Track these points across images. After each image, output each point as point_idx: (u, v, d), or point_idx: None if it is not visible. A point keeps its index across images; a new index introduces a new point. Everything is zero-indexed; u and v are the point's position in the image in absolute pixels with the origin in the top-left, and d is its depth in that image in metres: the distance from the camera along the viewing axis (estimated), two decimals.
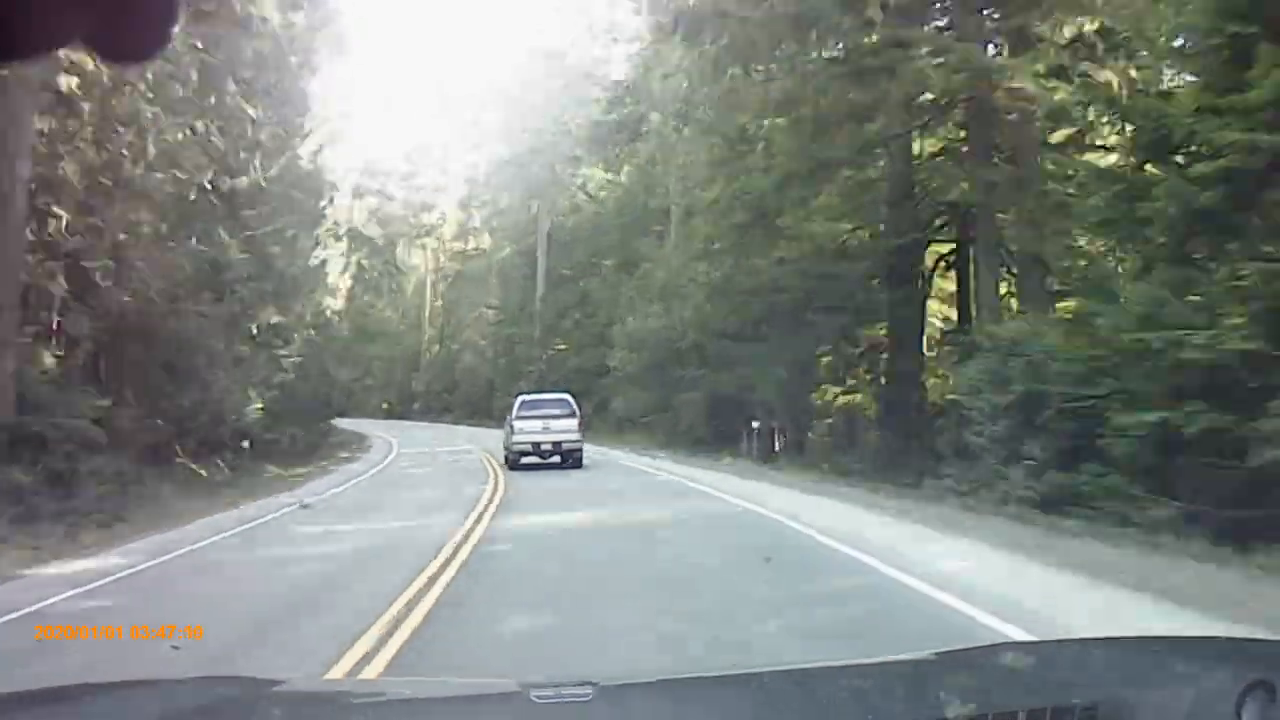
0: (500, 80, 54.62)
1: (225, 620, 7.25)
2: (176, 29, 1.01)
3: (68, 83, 14.57)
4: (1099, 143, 17.49)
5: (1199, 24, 10.13)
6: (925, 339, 22.45)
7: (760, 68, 19.67)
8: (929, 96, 17.01)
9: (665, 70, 33.15)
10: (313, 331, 36.51)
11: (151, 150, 16.68)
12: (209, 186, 19.36)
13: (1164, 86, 12.94)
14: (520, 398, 24.89)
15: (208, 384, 20.27)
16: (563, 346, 46.52)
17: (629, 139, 42.23)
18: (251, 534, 12.41)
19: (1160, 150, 10.96)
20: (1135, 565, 8.13)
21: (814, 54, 18.70)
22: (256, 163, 22.52)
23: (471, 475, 21.05)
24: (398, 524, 12.85)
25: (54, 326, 16.48)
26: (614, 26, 45.43)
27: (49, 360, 15.85)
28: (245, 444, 22.54)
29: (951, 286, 22.10)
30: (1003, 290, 18.35)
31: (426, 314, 71.64)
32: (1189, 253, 10.42)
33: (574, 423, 22.86)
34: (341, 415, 51.93)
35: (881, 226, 21.19)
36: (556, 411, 23.00)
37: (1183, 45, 11.42)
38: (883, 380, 22.63)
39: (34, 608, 7.87)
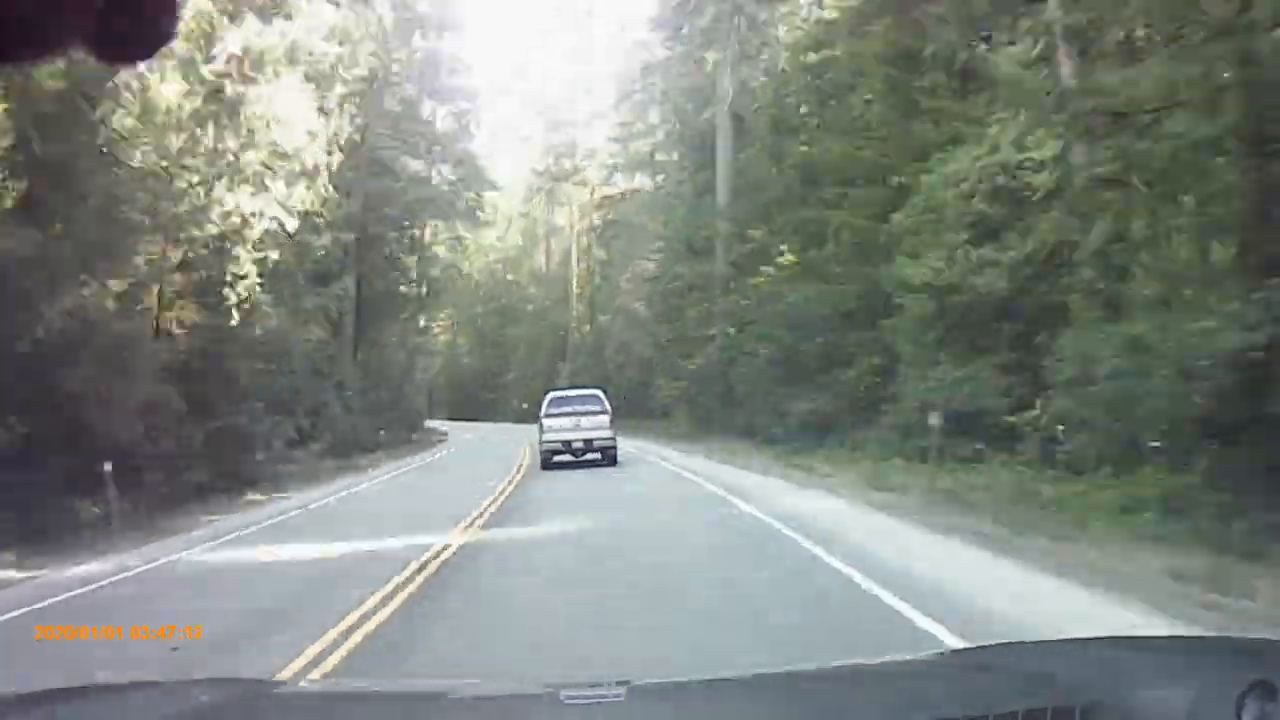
0: None
1: None
2: (176, 29, 1.01)
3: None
4: None
5: None
6: None
7: None
8: None
9: None
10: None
11: None
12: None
13: None
14: (550, 394, 24.17)
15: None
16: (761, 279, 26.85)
17: None
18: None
19: None
20: None
21: None
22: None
23: None
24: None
25: None
26: None
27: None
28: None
29: None
30: None
31: (574, 281, 61.10)
32: None
33: (605, 419, 22.11)
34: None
35: None
36: (587, 408, 22.27)
37: None
38: None
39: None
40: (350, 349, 34.88)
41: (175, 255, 18.06)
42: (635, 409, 37.67)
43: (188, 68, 17.51)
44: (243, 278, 19.79)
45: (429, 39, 42.72)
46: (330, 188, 25.13)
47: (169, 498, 15.47)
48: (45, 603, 8.54)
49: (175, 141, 17.84)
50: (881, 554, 8.76)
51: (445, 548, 10.22)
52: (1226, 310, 9.02)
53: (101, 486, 13.19)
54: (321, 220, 25.22)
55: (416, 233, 43.48)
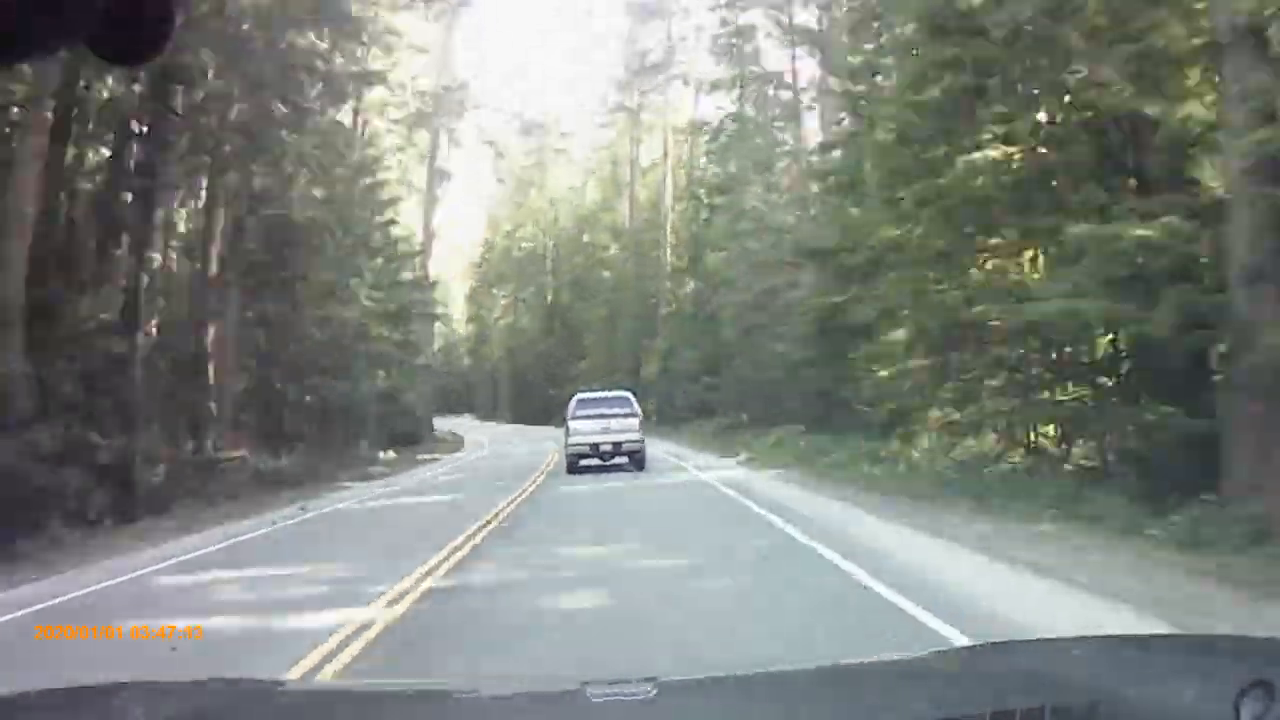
0: None
1: None
2: (175, 29, 1.01)
3: None
4: None
5: None
6: None
7: None
8: None
9: None
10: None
11: None
12: None
13: None
14: (576, 396, 23.39)
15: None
16: None
17: None
18: None
19: None
20: None
21: None
22: None
23: None
24: None
25: None
26: None
27: None
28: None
29: None
30: None
31: (668, 229, 49.32)
32: None
33: (635, 421, 21.42)
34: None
35: None
36: (616, 410, 21.59)
37: None
38: None
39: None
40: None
41: None
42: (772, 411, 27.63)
43: None
44: None
45: None
46: None
47: None
48: None
49: None
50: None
51: None
52: None
53: None
54: None
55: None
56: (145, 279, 19.63)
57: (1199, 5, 10.44)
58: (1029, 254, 14.50)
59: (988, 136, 12.63)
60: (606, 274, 56.46)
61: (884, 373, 17.23)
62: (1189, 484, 9.43)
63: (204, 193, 23.04)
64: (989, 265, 14.45)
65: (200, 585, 9.28)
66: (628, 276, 52.29)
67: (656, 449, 25.20)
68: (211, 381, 22.18)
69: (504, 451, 34.30)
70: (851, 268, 19.44)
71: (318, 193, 26.53)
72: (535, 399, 58.44)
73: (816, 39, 33.90)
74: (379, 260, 34.29)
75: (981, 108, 13.12)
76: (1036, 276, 13.76)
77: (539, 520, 13.22)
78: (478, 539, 11.24)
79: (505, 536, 11.56)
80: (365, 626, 6.62)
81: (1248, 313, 9.24)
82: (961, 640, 4.96)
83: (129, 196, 18.91)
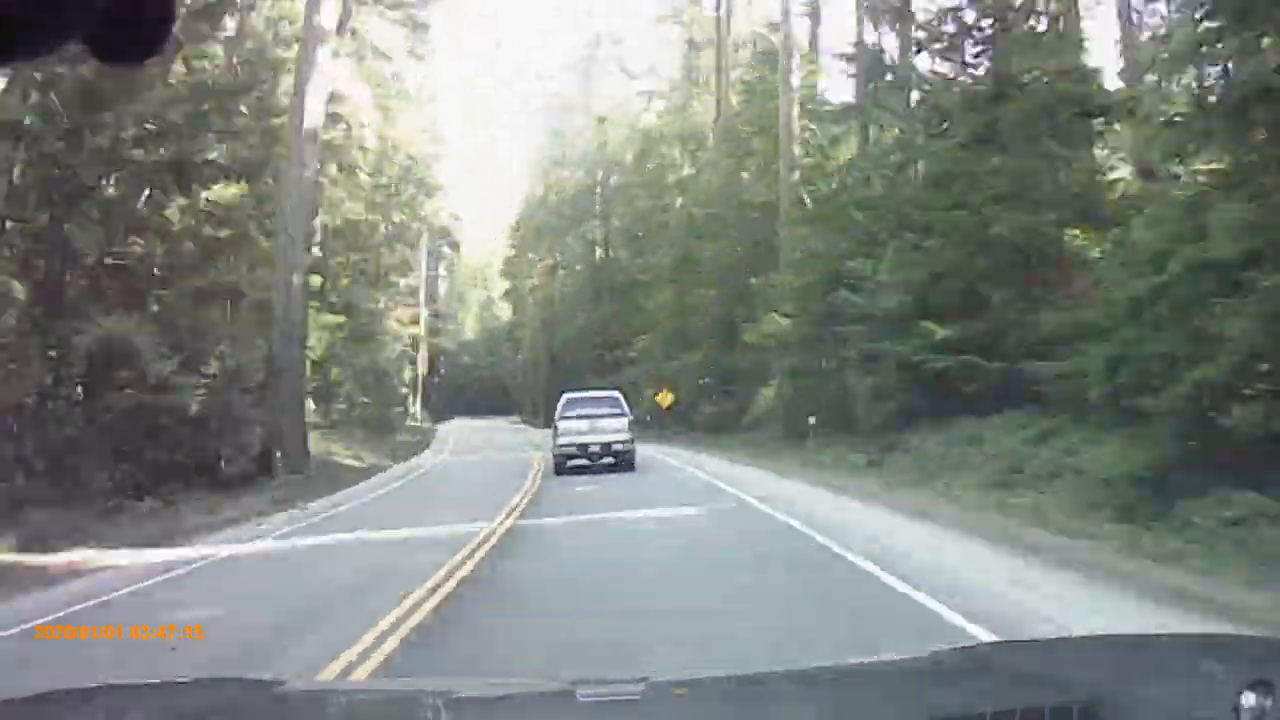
0: None
1: None
2: (175, 29, 1.01)
3: None
4: None
5: None
6: None
7: None
8: None
9: None
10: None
11: None
12: None
13: None
14: (565, 395, 22.77)
15: None
16: None
17: None
18: None
19: None
20: None
21: None
22: None
23: None
24: None
25: None
26: None
27: None
28: None
29: None
30: None
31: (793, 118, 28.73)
32: None
33: (624, 421, 21.02)
34: None
35: None
36: (604, 410, 21.16)
37: None
38: None
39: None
40: None
41: None
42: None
43: None
44: None
45: None
46: None
47: None
48: None
49: None
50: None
51: None
52: None
53: None
54: None
55: None
56: None
57: None
58: None
59: None
60: (677, 206, 38.61)
61: None
62: None
63: None
64: None
65: None
66: (713, 205, 34.06)
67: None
68: None
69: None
70: None
71: None
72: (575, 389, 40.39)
73: None
74: None
75: None
76: None
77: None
78: None
79: None
80: None
81: None
82: None
83: None
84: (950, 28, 18.92)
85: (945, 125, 19.47)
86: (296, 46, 25.04)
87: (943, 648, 2.65)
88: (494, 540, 10.78)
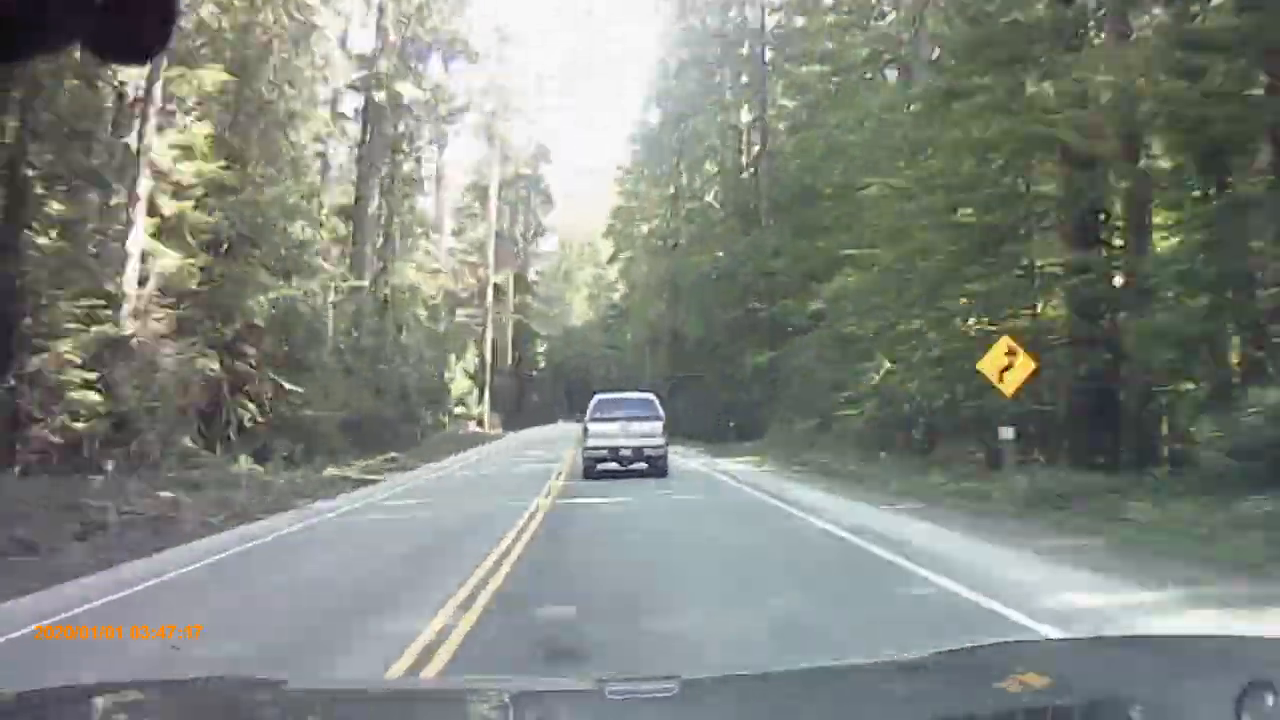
0: None
1: None
2: (176, 29, 1.01)
3: None
4: None
5: None
6: None
7: None
8: None
9: None
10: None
11: None
12: None
13: None
14: (596, 397, 22.26)
15: None
16: None
17: None
18: None
19: None
20: None
21: None
22: None
23: None
24: None
25: None
26: None
27: None
28: None
29: None
30: None
31: None
32: None
33: (658, 425, 20.39)
34: None
35: None
36: (637, 413, 20.59)
37: None
38: None
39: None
40: None
41: None
42: None
43: None
44: None
45: None
46: None
47: None
48: None
49: None
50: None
51: None
52: None
53: None
54: None
55: None
56: None
57: None
58: None
59: None
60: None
61: None
62: None
63: None
64: None
65: None
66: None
67: None
68: None
69: None
70: None
71: None
72: (712, 378, 28.78)
73: None
74: None
75: None
76: None
77: None
78: None
79: None
80: None
81: None
82: None
83: None
84: None
85: None
86: None
87: (943, 649, 2.65)
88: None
